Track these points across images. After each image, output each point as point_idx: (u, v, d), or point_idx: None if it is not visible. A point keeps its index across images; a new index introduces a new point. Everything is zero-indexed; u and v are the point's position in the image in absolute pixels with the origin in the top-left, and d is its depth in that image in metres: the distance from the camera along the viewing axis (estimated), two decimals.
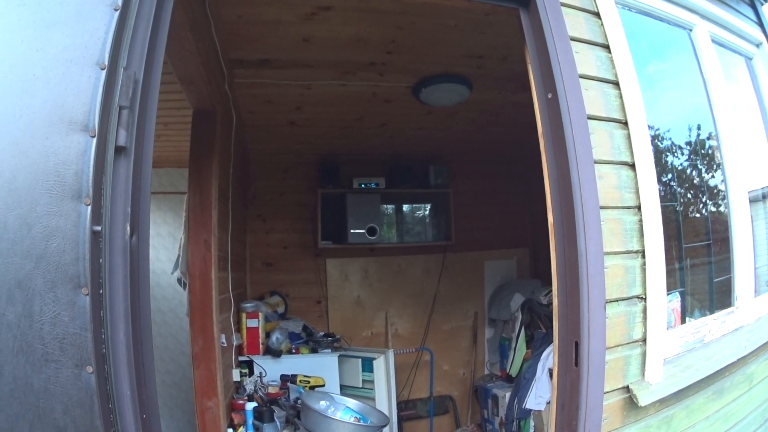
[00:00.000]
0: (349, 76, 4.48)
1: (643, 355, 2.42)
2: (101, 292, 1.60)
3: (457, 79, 4.60)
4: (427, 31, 3.91)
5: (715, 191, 3.52)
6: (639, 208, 2.42)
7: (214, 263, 3.59)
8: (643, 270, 2.40)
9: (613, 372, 2.29)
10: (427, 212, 7.16)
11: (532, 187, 7.14)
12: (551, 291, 5.89)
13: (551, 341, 5.34)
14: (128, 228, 1.66)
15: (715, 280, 3.38)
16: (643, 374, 2.42)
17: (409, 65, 4.39)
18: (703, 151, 3.51)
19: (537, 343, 5.68)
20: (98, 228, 1.59)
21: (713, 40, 3.54)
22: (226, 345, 4.03)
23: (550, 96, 2.30)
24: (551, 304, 5.78)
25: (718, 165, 3.43)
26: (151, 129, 1.83)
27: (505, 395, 5.82)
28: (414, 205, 7.15)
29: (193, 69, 3.29)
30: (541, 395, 5.19)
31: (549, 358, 5.22)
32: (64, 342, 1.55)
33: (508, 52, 4.25)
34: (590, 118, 2.33)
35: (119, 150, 1.69)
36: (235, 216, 4.77)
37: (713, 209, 3.57)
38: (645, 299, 2.39)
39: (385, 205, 6.81)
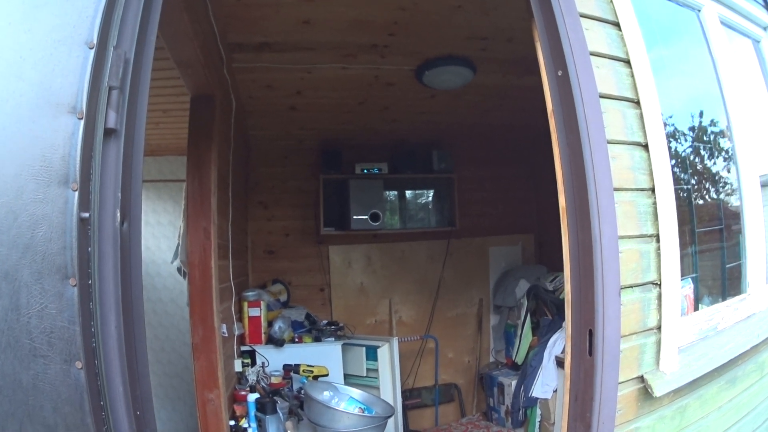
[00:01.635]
0: (351, 59, 4.38)
1: (658, 343, 2.33)
2: (90, 282, 1.53)
3: (460, 62, 4.50)
4: (430, 12, 3.81)
5: (726, 175, 3.42)
6: (653, 190, 2.32)
7: (214, 252, 3.51)
8: (658, 255, 2.30)
9: (628, 361, 2.19)
10: (430, 198, 7.07)
11: (537, 171, 7.12)
12: (557, 277, 5.91)
13: (557, 328, 5.30)
14: (118, 214, 1.58)
15: (726, 266, 3.30)
16: (658, 363, 2.33)
17: (411, 47, 4.29)
18: (712, 134, 3.41)
19: (543, 330, 5.62)
20: (86, 215, 1.51)
21: (721, 22, 3.44)
22: (227, 335, 3.96)
23: (560, 73, 2.19)
24: (557, 290, 5.80)
25: (729, 148, 3.34)
26: (143, 111, 1.75)
27: (511, 383, 5.75)
28: (417, 191, 7.07)
29: (190, 52, 3.21)
30: (547, 383, 5.14)
31: (556, 345, 5.17)
32: (52, 336, 1.49)
33: (513, 33, 4.15)
34: (602, 96, 2.22)
35: (108, 132, 1.61)
36: (236, 203, 4.70)
37: (724, 193, 3.47)
38: (660, 285, 2.30)
39: (388, 191, 6.73)
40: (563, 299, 5.52)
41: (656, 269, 2.29)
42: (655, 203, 2.31)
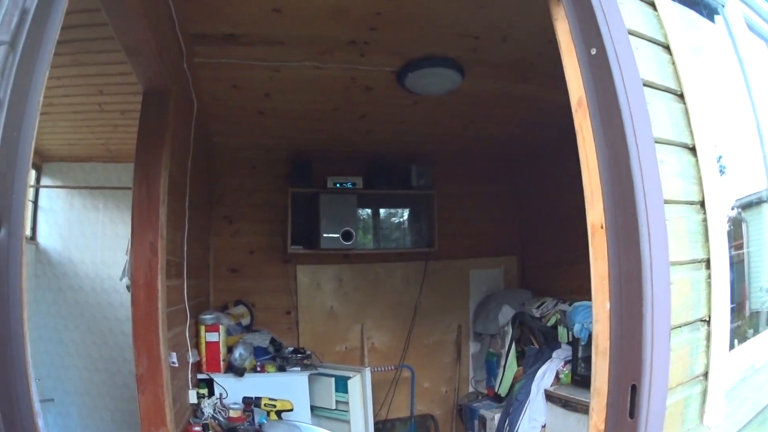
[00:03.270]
0: (326, 57, 3.90)
1: (704, 393, 1.87)
2: None
3: (448, 63, 4.05)
4: (417, 3, 3.37)
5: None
6: (702, 204, 1.86)
7: (161, 269, 3.02)
8: (708, 285, 1.84)
9: (671, 419, 1.72)
10: (407, 216, 6.67)
11: (521, 189, 6.79)
12: (544, 303, 5.47)
13: (546, 358, 4.90)
14: None
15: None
16: (702, 417, 1.88)
17: (394, 45, 3.82)
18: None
19: (529, 360, 5.21)
20: None
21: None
22: (177, 365, 3.47)
23: (594, 52, 1.73)
24: (544, 317, 5.35)
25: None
26: (41, 77, 1.30)
27: (494, 417, 5.30)
28: (394, 208, 6.67)
29: (140, 35, 2.75)
30: (535, 418, 4.77)
31: (545, 377, 4.78)
32: None
33: (508, 32, 3.72)
34: (644, 84, 1.77)
35: None
36: (196, 216, 4.26)
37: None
38: (709, 323, 1.85)
39: (361, 208, 6.33)
40: (551, 326, 5.16)
41: (706, 303, 1.83)
42: (705, 220, 1.85)
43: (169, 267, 3.26)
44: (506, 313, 5.82)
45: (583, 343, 4.42)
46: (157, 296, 3.00)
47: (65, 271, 6.45)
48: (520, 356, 5.43)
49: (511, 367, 5.42)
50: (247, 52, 3.76)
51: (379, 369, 5.92)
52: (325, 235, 5.59)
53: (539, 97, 4.73)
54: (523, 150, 6.28)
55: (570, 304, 5.25)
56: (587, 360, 4.46)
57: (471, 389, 6.44)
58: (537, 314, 5.46)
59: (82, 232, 6.48)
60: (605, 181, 1.68)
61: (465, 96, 4.64)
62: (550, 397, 4.66)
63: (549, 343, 5.13)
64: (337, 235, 5.60)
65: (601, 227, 1.70)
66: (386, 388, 6.09)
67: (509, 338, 5.51)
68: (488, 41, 3.82)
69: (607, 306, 1.72)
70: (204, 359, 4.58)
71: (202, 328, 4.57)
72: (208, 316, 4.63)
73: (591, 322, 4.30)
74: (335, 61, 3.95)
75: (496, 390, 5.62)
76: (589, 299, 4.50)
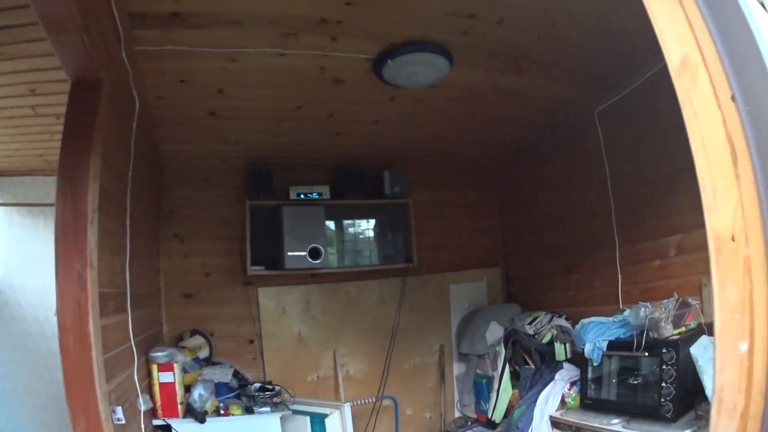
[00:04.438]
0: (291, 41, 3.26)
1: None
2: None
3: (436, 49, 3.45)
4: None
5: None
6: None
7: (93, 307, 2.35)
8: None
9: None
10: (381, 228, 6.08)
11: (503, 196, 6.34)
12: (536, 318, 4.90)
13: (547, 381, 4.40)
14: None
15: None
16: None
17: (373, 25, 3.19)
18: None
19: (525, 382, 4.67)
20: None
21: None
22: (124, 422, 2.81)
23: None
24: (538, 334, 4.78)
25: None
26: None
27: None
28: (366, 220, 6.06)
29: (60, 3, 2.08)
30: None
31: (549, 402, 4.27)
32: None
33: (506, 12, 3.15)
34: None
35: None
36: (141, 236, 3.66)
37: None
38: None
39: (330, 221, 5.73)
40: (547, 344, 4.60)
41: None
42: None
43: (105, 302, 2.59)
44: (495, 331, 5.27)
45: (595, 364, 3.86)
46: (89, 342, 2.34)
47: (6, 299, 5.74)
48: (514, 378, 4.88)
49: (506, 391, 4.84)
50: (196, 36, 3.11)
51: (359, 402, 5.33)
52: (289, 253, 4.97)
53: (530, 93, 4.23)
54: (508, 153, 5.76)
55: (567, 318, 4.74)
56: (597, 381, 3.92)
57: (458, 414, 5.89)
58: (530, 331, 4.90)
59: (23, 255, 5.77)
60: (755, 173, 1.08)
61: (449, 90, 4.08)
62: (556, 423, 4.08)
63: (547, 363, 4.58)
64: (304, 253, 5.00)
65: (733, 239, 1.11)
66: (366, 419, 5.51)
67: (502, 359, 4.92)
68: (484, 23, 3.24)
69: (743, 348, 1.13)
70: (159, 404, 3.95)
71: (154, 367, 3.92)
72: (160, 354, 3.96)
73: (604, 341, 3.81)
74: (302, 46, 3.32)
75: (489, 416, 5.03)
76: (594, 313, 3.97)
